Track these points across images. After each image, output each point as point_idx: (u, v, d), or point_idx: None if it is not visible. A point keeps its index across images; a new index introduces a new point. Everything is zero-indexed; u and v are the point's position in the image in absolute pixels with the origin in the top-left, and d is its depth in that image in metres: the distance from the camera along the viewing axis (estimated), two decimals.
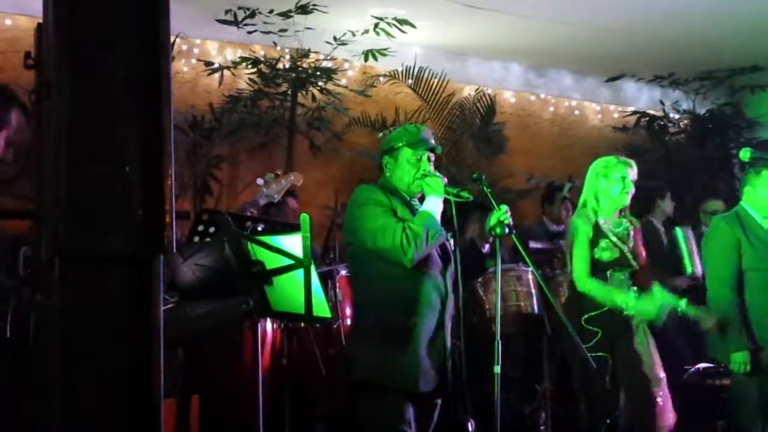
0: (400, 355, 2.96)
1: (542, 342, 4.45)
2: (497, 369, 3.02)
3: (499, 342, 3.04)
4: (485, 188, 3.19)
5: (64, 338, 1.56)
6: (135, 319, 1.58)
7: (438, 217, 3.09)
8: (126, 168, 1.52)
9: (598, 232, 3.63)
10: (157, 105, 1.55)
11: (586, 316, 3.53)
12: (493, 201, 3.15)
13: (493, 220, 3.15)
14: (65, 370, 1.55)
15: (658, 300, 3.50)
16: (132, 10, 1.54)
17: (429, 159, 3.22)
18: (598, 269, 3.60)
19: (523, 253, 3.22)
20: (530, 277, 4.29)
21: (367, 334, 3.05)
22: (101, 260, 1.55)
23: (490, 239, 4.56)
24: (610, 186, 3.64)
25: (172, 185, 1.56)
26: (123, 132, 1.53)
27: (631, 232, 3.71)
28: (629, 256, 3.62)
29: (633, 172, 3.70)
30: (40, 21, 1.66)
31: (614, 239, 3.60)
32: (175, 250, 1.57)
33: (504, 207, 3.14)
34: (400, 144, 3.20)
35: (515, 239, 3.18)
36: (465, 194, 3.07)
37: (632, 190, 3.67)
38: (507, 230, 3.10)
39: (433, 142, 3.26)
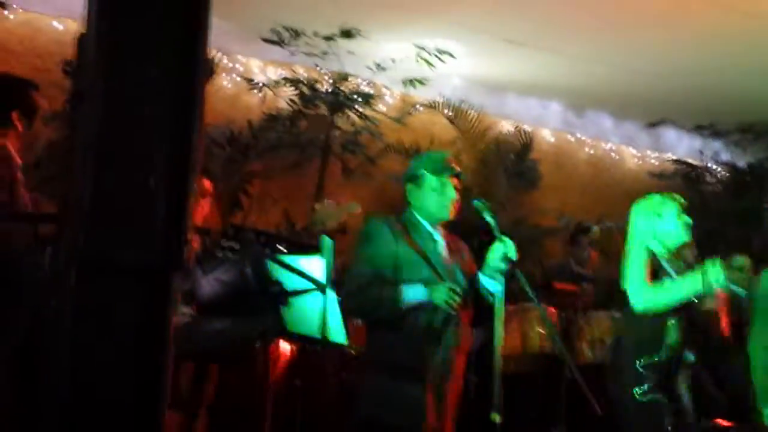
0: (408, 391, 2.91)
1: (560, 384, 4.38)
2: (497, 417, 2.76)
3: (500, 387, 2.84)
4: (489, 217, 2.98)
5: (73, 345, 1.57)
6: (146, 333, 1.59)
7: (406, 302, 2.94)
8: (150, 181, 1.53)
9: (659, 270, 3.40)
10: (188, 122, 1.57)
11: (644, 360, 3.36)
12: (497, 232, 2.99)
13: (497, 253, 2.96)
14: (73, 378, 1.56)
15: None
16: (172, 26, 1.56)
17: (455, 187, 3.19)
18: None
19: (529, 290, 3.04)
20: (553, 317, 4.24)
21: (375, 367, 3.02)
22: (117, 270, 1.55)
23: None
24: (667, 224, 3.40)
25: (197, 202, 1.56)
26: (150, 145, 1.54)
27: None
28: None
29: (683, 205, 3.47)
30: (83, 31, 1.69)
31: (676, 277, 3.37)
32: (192, 266, 1.58)
33: (508, 241, 2.95)
34: (424, 171, 3.17)
35: (520, 276, 3.01)
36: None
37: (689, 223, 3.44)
38: (511, 266, 2.95)
39: (456, 168, 3.23)
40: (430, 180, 3.15)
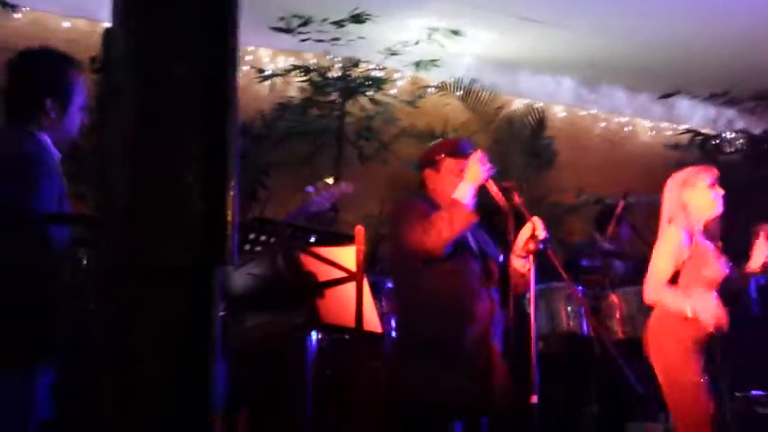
0: (446, 370, 2.92)
1: (590, 363, 4.35)
2: (534, 399, 2.86)
3: (536, 367, 2.88)
4: (516, 198, 3.02)
5: (117, 347, 1.54)
6: (192, 330, 1.56)
7: (467, 202, 2.98)
8: (189, 178, 1.50)
9: (702, 248, 3.38)
10: (223, 118, 1.53)
11: None
12: (525, 213, 3.01)
13: (527, 233, 3.01)
14: (117, 381, 1.54)
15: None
16: (204, 23, 1.52)
17: None
18: (705, 283, 3.35)
19: (560, 269, 3.08)
20: (581, 295, 4.20)
21: (411, 350, 3.02)
22: (160, 271, 1.52)
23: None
24: (700, 196, 3.42)
25: (236, 197, 1.53)
26: (187, 143, 1.51)
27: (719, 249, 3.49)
28: (723, 274, 3.41)
29: (716, 178, 3.46)
30: (107, 26, 1.65)
31: (716, 256, 3.38)
32: (235, 261, 1.55)
33: (536, 220, 3.00)
34: (442, 155, 3.17)
35: (551, 255, 3.03)
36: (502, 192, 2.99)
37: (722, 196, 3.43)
38: (541, 245, 2.96)
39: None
40: (449, 164, 3.14)
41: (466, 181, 3.01)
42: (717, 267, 3.37)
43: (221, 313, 2.57)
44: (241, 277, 2.42)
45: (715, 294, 3.35)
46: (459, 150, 3.17)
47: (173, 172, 1.52)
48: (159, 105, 1.52)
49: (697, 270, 3.36)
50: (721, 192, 3.41)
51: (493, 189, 3.05)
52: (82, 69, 2.40)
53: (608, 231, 5.21)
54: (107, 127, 1.60)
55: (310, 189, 3.81)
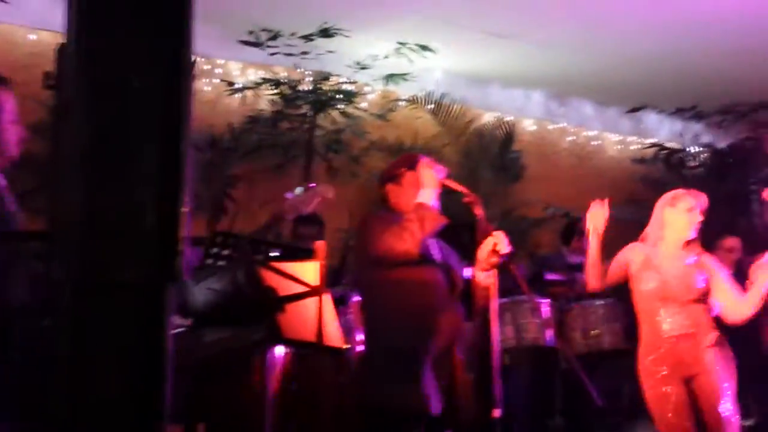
0: (410, 381, 2.94)
1: (555, 375, 4.38)
2: (497, 413, 2.90)
3: (499, 381, 2.93)
4: (477, 212, 3.07)
5: (71, 363, 1.54)
6: (144, 346, 1.56)
7: (432, 204, 3.07)
8: (141, 195, 1.51)
9: (647, 263, 3.49)
10: (175, 133, 1.54)
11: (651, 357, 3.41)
12: (488, 227, 3.05)
13: (488, 247, 3.05)
14: (71, 396, 1.53)
15: None
16: (154, 36, 1.53)
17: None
18: (644, 299, 3.48)
19: (522, 283, 3.13)
20: (546, 308, 4.23)
21: (376, 361, 3.04)
22: (112, 287, 1.53)
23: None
24: (676, 217, 3.50)
25: (187, 214, 1.54)
26: (139, 159, 1.51)
27: (691, 264, 3.51)
28: (676, 287, 3.43)
29: (701, 205, 3.52)
30: (63, 41, 1.65)
31: (663, 270, 3.45)
32: (186, 277, 1.56)
33: (498, 234, 3.05)
34: (402, 169, 3.22)
35: (513, 269, 3.08)
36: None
37: (699, 222, 3.49)
38: (503, 259, 3.01)
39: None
40: (410, 177, 3.17)
41: (425, 187, 3.07)
42: (656, 281, 3.44)
43: (181, 330, 2.56)
44: (201, 292, 2.42)
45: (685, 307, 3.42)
46: (418, 162, 3.22)
47: (127, 189, 1.52)
48: (112, 122, 1.53)
49: (637, 285, 3.50)
50: (700, 218, 3.47)
51: (455, 185, 3.13)
52: (7, 84, 2.39)
53: (573, 244, 5.27)
54: (61, 144, 1.60)
55: (289, 195, 3.80)
